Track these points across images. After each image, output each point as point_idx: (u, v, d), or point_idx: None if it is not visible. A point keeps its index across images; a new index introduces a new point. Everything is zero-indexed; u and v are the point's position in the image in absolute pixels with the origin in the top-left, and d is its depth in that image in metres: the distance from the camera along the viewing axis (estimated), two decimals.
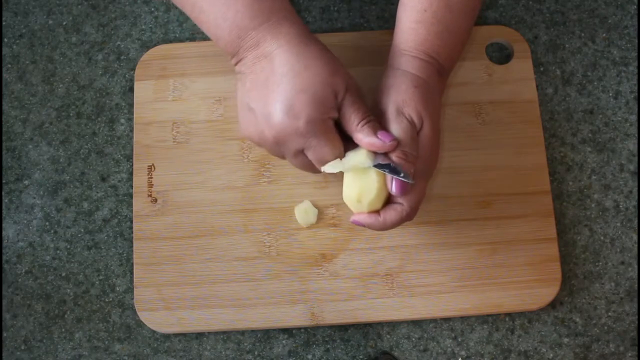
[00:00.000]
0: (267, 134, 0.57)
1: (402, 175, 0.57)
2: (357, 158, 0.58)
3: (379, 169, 0.58)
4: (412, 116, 0.58)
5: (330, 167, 0.58)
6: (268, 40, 0.57)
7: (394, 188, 0.58)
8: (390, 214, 0.59)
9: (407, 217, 0.60)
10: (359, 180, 0.59)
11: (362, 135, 0.57)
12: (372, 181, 0.58)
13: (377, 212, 0.60)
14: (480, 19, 0.81)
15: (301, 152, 0.58)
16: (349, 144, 0.59)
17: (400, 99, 0.59)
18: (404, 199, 0.59)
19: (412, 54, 0.61)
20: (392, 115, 0.58)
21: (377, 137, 0.57)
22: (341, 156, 0.58)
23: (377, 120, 0.59)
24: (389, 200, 0.60)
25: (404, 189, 0.58)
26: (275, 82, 0.56)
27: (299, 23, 0.59)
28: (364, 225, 0.60)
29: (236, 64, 0.60)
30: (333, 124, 0.58)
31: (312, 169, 0.60)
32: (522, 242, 0.72)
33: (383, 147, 0.57)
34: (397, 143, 0.57)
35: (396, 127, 0.58)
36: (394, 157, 0.57)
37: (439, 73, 0.62)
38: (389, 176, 0.58)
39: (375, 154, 0.58)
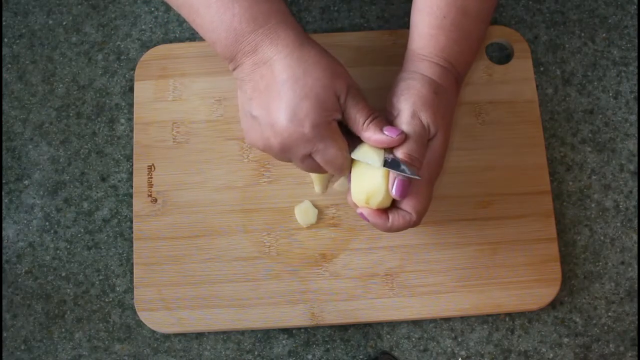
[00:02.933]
0: (272, 142, 0.57)
1: (409, 172, 0.57)
2: (367, 156, 0.58)
3: (388, 167, 0.57)
4: (429, 122, 0.58)
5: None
6: (266, 45, 0.57)
7: (394, 190, 0.57)
8: (398, 220, 0.59)
9: (413, 225, 0.60)
10: (367, 180, 0.59)
11: (370, 134, 0.57)
12: (380, 181, 0.58)
13: (384, 211, 0.60)
14: None
15: (308, 157, 0.58)
16: (354, 141, 0.59)
17: (420, 103, 0.58)
18: (411, 208, 0.59)
19: (433, 60, 0.60)
20: (407, 117, 0.58)
21: (385, 133, 0.57)
22: (348, 156, 0.58)
23: (382, 116, 0.59)
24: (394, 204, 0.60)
25: (405, 191, 0.58)
26: (277, 89, 0.56)
27: (296, 26, 0.58)
28: (368, 221, 0.60)
29: (234, 69, 0.59)
30: (337, 126, 0.58)
31: (320, 171, 0.60)
32: (522, 242, 0.72)
33: (391, 142, 0.57)
34: (405, 136, 0.57)
35: (408, 130, 0.57)
36: (399, 156, 0.57)
37: (456, 80, 0.62)
38: (391, 177, 0.57)
39: (384, 151, 0.58)
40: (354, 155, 0.59)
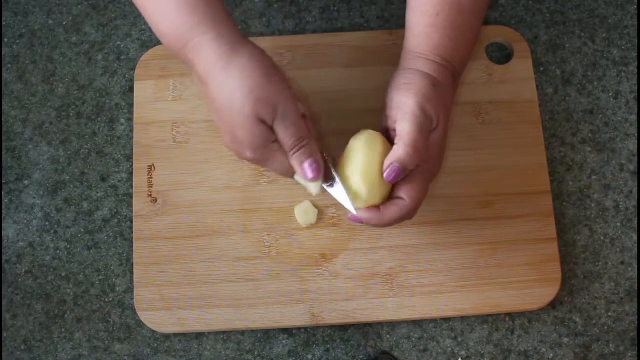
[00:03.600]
0: (245, 152, 0.59)
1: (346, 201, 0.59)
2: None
3: (326, 187, 0.60)
4: (432, 114, 0.58)
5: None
6: (197, 62, 0.57)
7: (386, 174, 0.58)
8: (391, 209, 0.59)
9: (407, 215, 0.60)
10: (351, 182, 0.59)
11: (294, 164, 0.59)
12: (374, 173, 0.58)
13: (376, 207, 0.60)
14: None
15: (280, 153, 0.59)
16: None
17: (422, 95, 0.58)
18: (405, 194, 0.59)
19: (429, 58, 0.60)
20: (412, 110, 0.57)
21: (304, 166, 0.58)
22: (290, 174, 0.60)
23: (310, 143, 0.58)
24: (389, 197, 0.60)
25: (397, 175, 0.58)
26: (215, 112, 0.58)
27: (222, 34, 0.57)
28: (362, 222, 0.60)
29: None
30: (278, 145, 0.58)
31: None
32: (522, 242, 0.72)
33: (311, 178, 0.58)
34: (322, 176, 0.59)
35: (414, 122, 0.57)
36: (402, 148, 0.57)
37: (453, 76, 0.62)
38: (386, 163, 0.58)
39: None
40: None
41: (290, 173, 0.60)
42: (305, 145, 0.58)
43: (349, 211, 0.60)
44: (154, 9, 0.58)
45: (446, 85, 0.60)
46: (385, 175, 0.58)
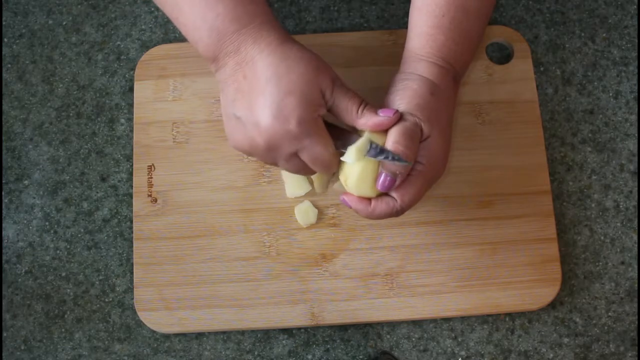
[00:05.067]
0: (258, 141, 0.56)
1: (397, 158, 0.56)
2: (355, 148, 0.58)
3: (375, 157, 0.57)
4: (422, 121, 0.57)
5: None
6: (249, 44, 0.56)
7: (379, 183, 0.57)
8: (380, 205, 0.59)
9: (395, 214, 0.60)
10: (353, 170, 0.59)
11: (366, 119, 0.57)
12: (369, 171, 0.58)
13: (368, 199, 0.59)
14: None
15: (294, 155, 0.57)
16: (340, 139, 0.59)
17: (415, 103, 0.58)
18: (398, 195, 0.58)
19: (430, 60, 0.60)
20: (404, 116, 0.57)
21: (380, 115, 0.57)
22: (335, 153, 0.58)
23: (371, 102, 0.58)
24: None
25: (389, 186, 0.57)
26: (261, 88, 0.55)
27: (278, 26, 0.58)
28: (350, 207, 0.60)
29: (217, 71, 0.59)
30: (322, 123, 0.57)
31: (306, 171, 0.60)
32: (522, 242, 0.72)
33: (390, 121, 0.57)
34: (401, 114, 0.57)
35: (402, 129, 0.57)
36: (389, 146, 0.56)
37: (454, 80, 0.61)
38: (380, 171, 0.57)
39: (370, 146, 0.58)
40: (342, 157, 0.58)
41: (324, 157, 0.57)
42: (369, 103, 0.58)
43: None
44: (194, 1, 0.57)
45: (446, 90, 0.60)
46: (378, 186, 0.57)
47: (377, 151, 0.57)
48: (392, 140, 0.56)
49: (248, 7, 0.57)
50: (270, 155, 0.58)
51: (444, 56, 0.60)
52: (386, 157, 0.56)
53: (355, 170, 0.58)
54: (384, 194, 0.59)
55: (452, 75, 0.61)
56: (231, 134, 0.59)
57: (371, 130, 0.57)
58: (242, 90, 0.56)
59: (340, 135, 0.59)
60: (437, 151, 0.59)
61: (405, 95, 0.58)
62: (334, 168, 0.59)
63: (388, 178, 0.57)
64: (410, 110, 0.58)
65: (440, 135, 0.59)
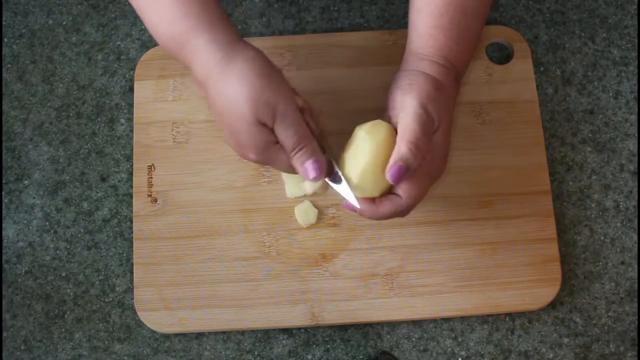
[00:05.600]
0: (247, 153, 0.60)
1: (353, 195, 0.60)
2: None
3: (330, 182, 0.61)
4: (434, 115, 0.58)
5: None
6: (195, 65, 0.58)
7: (389, 174, 0.57)
8: (385, 204, 0.59)
9: (401, 212, 0.60)
10: (358, 165, 0.59)
11: (296, 165, 0.59)
12: (373, 165, 0.58)
13: (372, 200, 0.59)
14: None
15: (281, 151, 0.59)
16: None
17: (425, 96, 0.58)
18: (402, 192, 0.58)
19: (432, 59, 0.60)
20: (414, 110, 0.57)
21: (306, 166, 0.58)
22: (295, 173, 0.60)
23: (311, 144, 0.58)
24: (388, 192, 0.60)
25: (400, 176, 0.57)
26: (216, 115, 0.59)
27: (216, 38, 0.57)
28: (355, 211, 0.60)
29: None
30: (280, 146, 0.59)
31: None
32: (522, 242, 0.72)
33: (313, 178, 0.58)
34: (324, 175, 0.60)
35: (417, 121, 0.57)
36: (405, 147, 0.56)
37: (455, 78, 0.62)
38: (391, 161, 0.57)
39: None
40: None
41: (295, 171, 0.60)
42: (305, 146, 0.58)
43: (350, 212, 0.60)
44: (150, 11, 0.59)
45: (449, 87, 0.60)
46: (389, 175, 0.57)
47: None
48: (410, 138, 0.56)
49: (180, 25, 0.57)
50: (262, 157, 0.60)
51: (445, 55, 0.60)
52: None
53: (358, 169, 0.58)
54: (386, 193, 0.60)
55: (453, 74, 0.61)
56: (223, 131, 0.61)
57: (301, 174, 0.59)
58: (213, 110, 0.60)
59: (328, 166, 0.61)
60: (440, 146, 0.59)
61: (413, 90, 0.58)
62: (318, 151, 0.60)
63: (400, 166, 0.57)
64: (423, 102, 0.57)
65: (445, 131, 0.59)
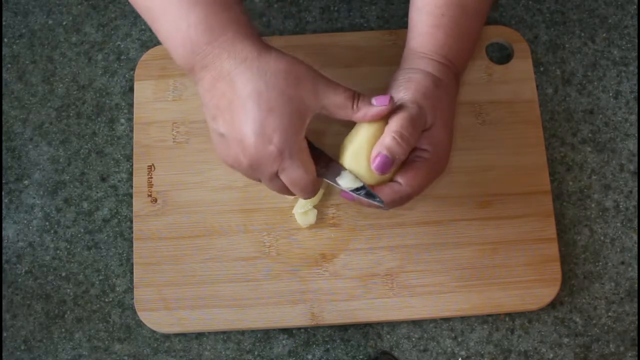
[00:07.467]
0: (241, 159, 0.56)
1: (377, 199, 0.57)
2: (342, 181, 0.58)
3: (354, 192, 0.58)
4: (427, 110, 0.57)
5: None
6: (224, 59, 0.54)
7: (374, 164, 0.56)
8: (384, 191, 0.58)
9: (401, 200, 0.58)
10: (355, 153, 0.58)
11: (363, 112, 0.56)
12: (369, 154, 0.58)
13: (370, 187, 0.58)
14: None
15: (277, 176, 0.56)
16: (326, 164, 0.59)
17: (420, 92, 0.58)
18: (402, 179, 0.58)
19: (432, 58, 0.60)
20: (404, 103, 0.57)
21: (375, 104, 0.56)
22: (314, 179, 0.57)
23: (363, 93, 0.57)
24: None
25: (385, 167, 0.56)
26: (241, 105, 0.54)
27: (253, 34, 0.56)
28: (353, 200, 0.59)
29: (196, 83, 0.57)
30: (306, 144, 0.56)
31: (289, 192, 0.59)
32: (522, 242, 0.72)
33: (386, 109, 0.56)
34: (398, 105, 0.57)
35: (405, 111, 0.56)
36: (389, 137, 0.56)
37: (455, 76, 0.62)
38: (374, 152, 0.56)
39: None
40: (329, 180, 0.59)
41: (302, 182, 0.57)
42: (362, 93, 0.56)
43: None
44: (167, 8, 0.55)
45: (448, 85, 0.60)
46: (373, 165, 0.56)
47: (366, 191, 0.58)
48: (394, 128, 0.56)
49: (221, 15, 0.55)
50: (253, 173, 0.57)
51: (445, 54, 0.61)
52: (369, 196, 0.57)
53: (353, 154, 0.58)
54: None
55: (453, 72, 0.61)
56: (217, 148, 0.58)
57: (370, 120, 0.57)
58: (222, 107, 0.55)
59: (323, 162, 0.59)
60: (441, 140, 0.59)
61: (408, 87, 0.58)
62: (312, 194, 0.58)
63: (384, 155, 0.56)
64: (414, 98, 0.57)
65: (445, 126, 0.59)
